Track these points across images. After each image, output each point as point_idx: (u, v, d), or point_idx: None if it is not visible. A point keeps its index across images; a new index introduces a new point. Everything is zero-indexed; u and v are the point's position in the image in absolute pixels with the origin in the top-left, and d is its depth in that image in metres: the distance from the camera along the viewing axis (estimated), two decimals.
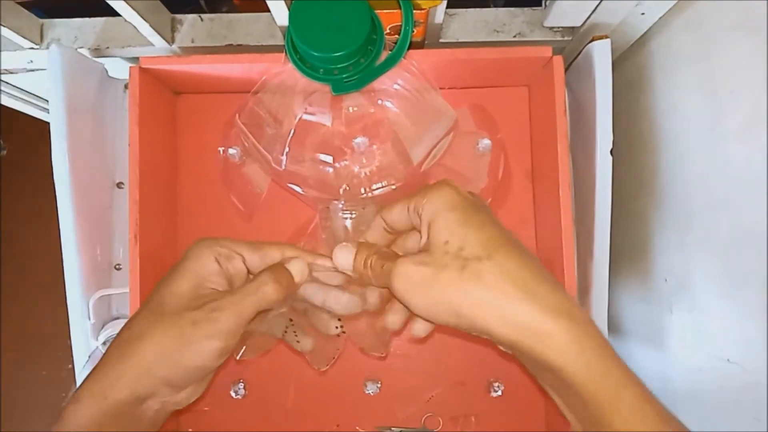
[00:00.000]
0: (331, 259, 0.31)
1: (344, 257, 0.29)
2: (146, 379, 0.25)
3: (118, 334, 0.28)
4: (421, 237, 0.28)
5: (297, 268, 0.29)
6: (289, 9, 0.40)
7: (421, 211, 0.28)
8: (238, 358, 0.32)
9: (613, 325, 0.55)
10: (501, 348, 0.27)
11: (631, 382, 0.24)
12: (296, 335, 0.34)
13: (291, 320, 0.34)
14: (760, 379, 0.35)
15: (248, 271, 0.31)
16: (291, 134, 0.41)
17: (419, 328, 0.30)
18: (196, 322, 0.25)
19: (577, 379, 0.23)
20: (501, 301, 0.24)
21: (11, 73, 0.55)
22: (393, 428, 0.48)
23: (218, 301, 0.27)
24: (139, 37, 0.48)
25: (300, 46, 0.37)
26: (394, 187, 0.42)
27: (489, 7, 0.49)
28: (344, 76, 0.38)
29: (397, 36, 0.40)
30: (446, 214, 0.27)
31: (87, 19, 0.50)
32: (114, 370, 0.25)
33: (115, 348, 0.27)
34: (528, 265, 0.26)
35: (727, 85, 0.38)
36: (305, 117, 0.41)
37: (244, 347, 0.33)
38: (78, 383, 0.47)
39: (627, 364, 0.25)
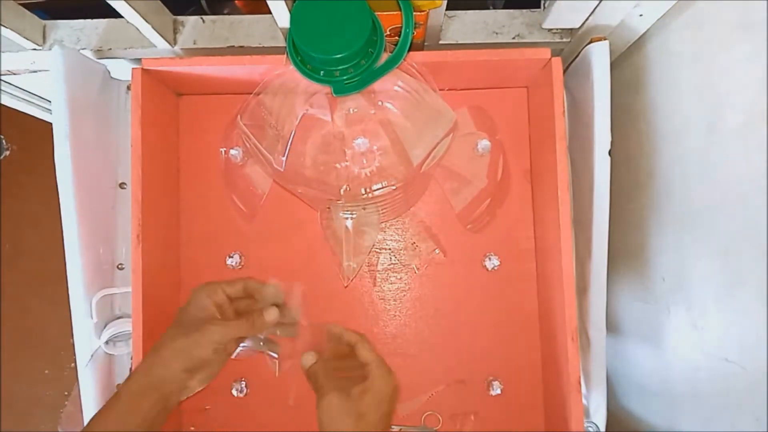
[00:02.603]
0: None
1: (306, 359, 0.42)
2: (169, 368, 0.38)
3: (155, 344, 0.39)
4: None
5: (270, 317, 0.42)
6: (290, 11, 0.40)
7: None
8: (233, 356, 0.42)
9: (612, 325, 0.55)
10: None
11: None
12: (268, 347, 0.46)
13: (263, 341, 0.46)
14: (759, 378, 0.35)
15: (229, 299, 0.42)
16: (292, 135, 0.41)
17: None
18: (199, 329, 0.39)
19: None
20: None
21: (14, 74, 0.55)
22: (393, 426, 0.48)
23: (214, 320, 0.39)
24: (142, 38, 0.48)
25: (301, 47, 0.38)
26: (394, 187, 0.42)
27: (488, 9, 0.49)
28: (345, 77, 0.39)
29: (397, 38, 0.40)
30: None
31: (89, 20, 0.50)
32: (150, 361, 0.38)
33: (152, 348, 0.39)
34: None
35: (725, 86, 0.38)
36: (306, 118, 0.42)
37: (239, 350, 0.43)
38: (80, 381, 0.48)
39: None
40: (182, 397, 0.39)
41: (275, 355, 0.47)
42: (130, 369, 0.51)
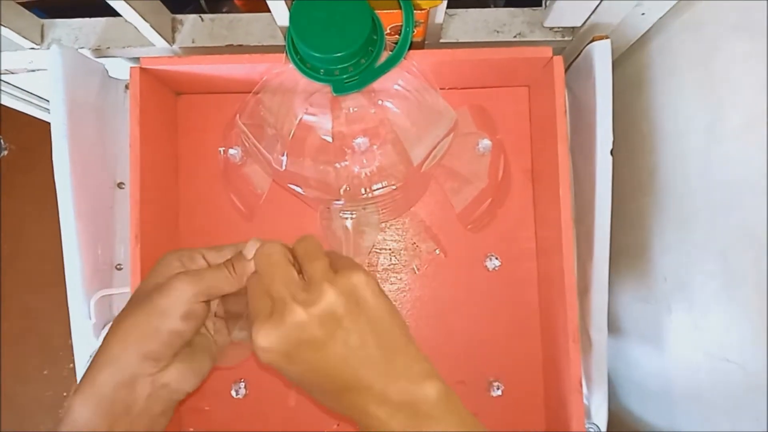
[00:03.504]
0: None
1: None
2: (125, 356, 0.27)
3: (101, 346, 0.29)
4: None
5: (252, 252, 0.32)
6: (289, 9, 0.40)
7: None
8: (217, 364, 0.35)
9: (613, 325, 0.55)
10: None
11: None
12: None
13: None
14: (760, 378, 0.35)
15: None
16: (291, 135, 0.41)
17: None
18: (161, 290, 0.28)
19: None
20: None
21: (12, 73, 0.55)
22: None
23: (179, 274, 0.30)
24: (140, 37, 0.48)
25: (300, 46, 0.37)
26: (394, 187, 0.42)
27: (489, 7, 0.49)
28: (345, 76, 0.38)
29: (397, 36, 0.40)
30: None
31: (88, 19, 0.50)
32: (101, 356, 0.28)
33: (104, 339, 0.29)
34: None
35: (726, 85, 0.38)
36: (306, 117, 0.41)
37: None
38: (79, 382, 0.47)
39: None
40: (163, 404, 0.29)
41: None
42: None
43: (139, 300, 0.29)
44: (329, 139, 0.42)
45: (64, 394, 1.20)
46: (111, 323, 0.30)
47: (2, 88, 0.61)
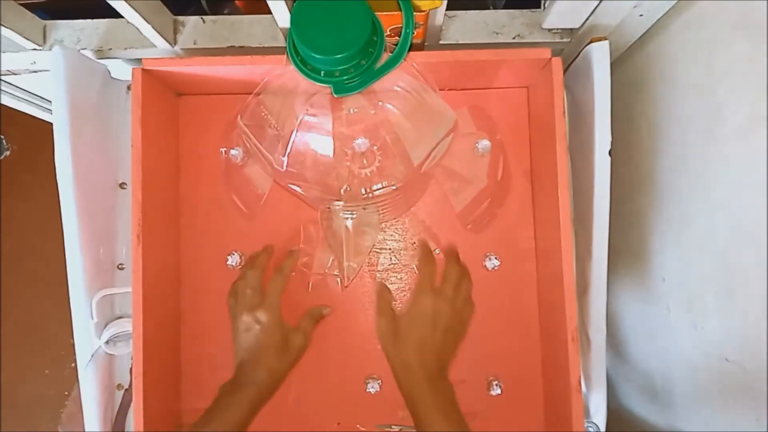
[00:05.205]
0: None
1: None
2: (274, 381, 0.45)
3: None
4: None
5: (293, 259, 0.48)
6: (290, 11, 0.40)
7: None
8: None
9: (612, 325, 0.55)
10: None
11: None
12: None
13: None
14: (759, 378, 0.36)
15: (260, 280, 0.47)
16: (293, 135, 0.41)
17: None
18: (290, 351, 0.46)
19: None
20: None
21: (14, 74, 0.55)
22: (393, 426, 0.49)
23: (290, 333, 0.47)
24: (142, 38, 0.48)
25: (301, 48, 0.38)
26: (394, 187, 0.42)
27: (488, 9, 0.49)
28: (345, 77, 0.39)
29: (397, 38, 0.40)
30: None
31: (90, 20, 0.50)
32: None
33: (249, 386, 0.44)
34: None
35: (725, 86, 0.38)
36: (307, 118, 0.42)
37: None
38: (81, 381, 0.48)
39: None
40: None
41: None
42: (130, 370, 0.51)
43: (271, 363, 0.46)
44: (330, 139, 0.42)
45: (66, 392, 1.20)
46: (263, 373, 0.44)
47: (4, 88, 0.62)
